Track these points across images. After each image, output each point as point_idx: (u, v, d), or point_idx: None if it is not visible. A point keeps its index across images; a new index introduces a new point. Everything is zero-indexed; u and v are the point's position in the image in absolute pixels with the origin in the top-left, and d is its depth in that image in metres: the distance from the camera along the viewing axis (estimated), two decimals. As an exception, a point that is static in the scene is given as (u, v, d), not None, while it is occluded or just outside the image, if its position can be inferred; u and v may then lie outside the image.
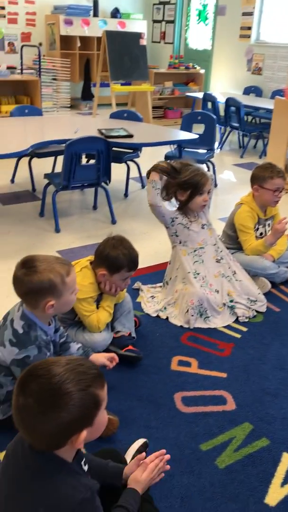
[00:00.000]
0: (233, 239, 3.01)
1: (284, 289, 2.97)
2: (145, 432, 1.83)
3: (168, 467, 1.40)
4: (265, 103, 6.33)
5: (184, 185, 2.58)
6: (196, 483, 1.65)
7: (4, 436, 1.74)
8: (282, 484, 1.66)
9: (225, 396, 2.07)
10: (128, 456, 1.64)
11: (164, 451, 1.41)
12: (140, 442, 1.71)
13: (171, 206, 2.72)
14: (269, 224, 3.02)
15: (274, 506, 1.58)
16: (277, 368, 2.27)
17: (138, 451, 1.67)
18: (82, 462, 1.23)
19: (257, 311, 2.71)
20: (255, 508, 1.57)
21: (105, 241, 2.24)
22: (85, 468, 1.24)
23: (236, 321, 2.63)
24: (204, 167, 4.47)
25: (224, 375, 2.21)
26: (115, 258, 2.17)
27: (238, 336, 2.51)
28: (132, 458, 1.61)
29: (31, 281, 1.60)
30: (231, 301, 2.67)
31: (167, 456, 1.40)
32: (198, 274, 2.67)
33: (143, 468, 1.38)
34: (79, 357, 1.20)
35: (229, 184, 5.17)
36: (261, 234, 2.99)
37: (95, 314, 2.22)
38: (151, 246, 3.51)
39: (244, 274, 2.81)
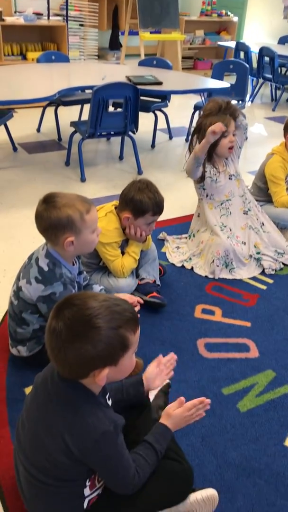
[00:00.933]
0: (262, 191, 2.93)
1: (312, 243, 2.90)
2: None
3: (203, 414, 1.35)
4: (302, 54, 6.03)
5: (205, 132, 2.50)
6: (217, 424, 1.67)
7: (31, 372, 1.80)
8: (303, 429, 1.67)
9: (249, 344, 2.07)
10: (151, 395, 1.67)
11: (206, 400, 1.35)
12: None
13: None
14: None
15: (294, 449, 1.60)
16: (303, 319, 2.25)
17: (162, 391, 1.70)
18: (107, 396, 1.25)
19: (284, 264, 2.67)
20: (275, 449, 1.59)
21: (131, 184, 2.20)
22: (109, 402, 1.26)
23: (262, 273, 2.60)
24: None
25: (248, 324, 2.20)
26: (140, 201, 2.13)
27: (264, 287, 2.48)
28: (156, 397, 1.64)
29: (50, 216, 1.61)
30: (258, 253, 2.63)
31: (208, 401, 1.34)
32: (224, 226, 2.62)
33: (179, 403, 1.34)
34: (119, 297, 1.20)
35: (260, 137, 5.01)
36: (292, 185, 2.91)
37: (120, 259, 2.21)
38: (177, 197, 3.46)
39: (272, 226, 2.76)
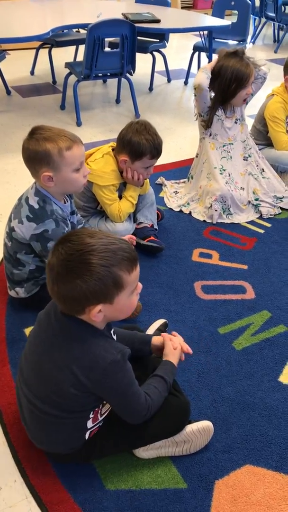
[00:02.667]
0: (262, 134, 2.87)
1: (311, 187, 2.88)
2: (165, 315, 1.88)
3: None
4: (306, -10, 5.75)
5: (224, 80, 2.41)
6: (213, 362, 1.71)
7: (30, 314, 1.82)
8: (297, 366, 1.72)
9: (245, 286, 2.09)
10: (149, 333, 1.70)
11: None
12: (160, 321, 1.76)
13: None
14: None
15: (287, 384, 1.64)
16: (299, 262, 2.26)
17: (159, 330, 1.73)
18: (112, 331, 1.27)
19: (282, 208, 2.65)
20: (269, 385, 1.64)
21: (128, 125, 2.12)
22: (114, 337, 1.28)
23: (260, 217, 2.59)
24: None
25: (245, 267, 2.21)
26: (137, 144, 2.05)
27: (262, 231, 2.48)
28: (153, 335, 1.67)
29: (29, 148, 1.59)
30: (256, 199, 2.61)
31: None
32: (224, 170, 2.58)
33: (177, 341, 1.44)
34: (119, 237, 1.18)
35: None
36: (292, 127, 2.85)
37: (117, 203, 2.19)
38: (175, 142, 3.39)
39: (272, 172, 2.72)
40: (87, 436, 1.29)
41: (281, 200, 2.65)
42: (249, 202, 2.60)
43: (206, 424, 1.40)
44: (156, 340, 1.45)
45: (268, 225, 2.53)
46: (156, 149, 2.10)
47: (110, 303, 1.12)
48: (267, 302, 2.01)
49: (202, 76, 2.43)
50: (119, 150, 2.13)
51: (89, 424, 1.26)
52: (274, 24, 6.07)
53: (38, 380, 1.21)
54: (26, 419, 1.30)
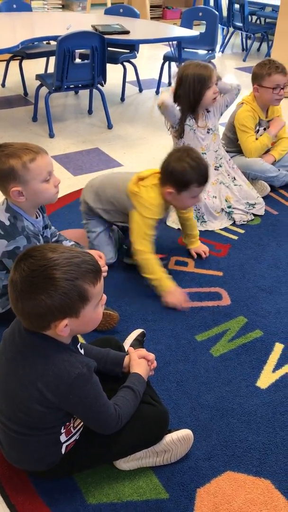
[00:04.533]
0: (233, 142, 2.92)
1: (283, 192, 2.93)
2: (143, 325, 1.88)
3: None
4: (272, 0, 5.88)
5: (188, 85, 2.45)
6: (191, 369, 1.72)
7: (4, 328, 1.80)
8: (274, 370, 1.74)
9: (221, 292, 2.11)
10: (126, 344, 1.70)
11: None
12: (138, 331, 1.76)
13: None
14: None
15: (265, 389, 1.66)
16: (272, 267, 2.29)
17: (137, 340, 1.73)
18: (78, 346, 1.26)
19: (255, 214, 2.70)
20: (247, 390, 1.66)
21: (169, 155, 1.99)
22: (81, 351, 1.28)
23: (234, 224, 2.62)
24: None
25: (220, 273, 2.23)
26: (181, 173, 1.90)
27: (235, 237, 2.51)
28: (131, 346, 1.67)
29: None
30: (229, 207, 2.64)
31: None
32: None
33: (140, 353, 1.44)
34: (81, 250, 1.18)
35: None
36: (261, 136, 2.90)
37: (149, 254, 2.01)
38: (149, 151, 3.42)
39: (243, 179, 2.76)
40: (63, 450, 1.28)
41: (253, 207, 2.69)
42: (222, 209, 2.63)
43: (186, 432, 1.40)
44: (127, 360, 1.44)
45: (242, 231, 2.56)
46: (202, 176, 1.96)
47: (76, 317, 1.12)
48: (243, 307, 2.03)
49: (164, 94, 2.48)
50: (164, 182, 1.98)
51: (63, 438, 1.25)
52: (242, 33, 6.19)
53: (5, 399, 1.20)
54: (0, 439, 1.29)
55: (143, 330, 1.79)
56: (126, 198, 2.04)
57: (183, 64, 2.53)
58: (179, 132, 2.57)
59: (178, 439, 1.39)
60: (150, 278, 2.01)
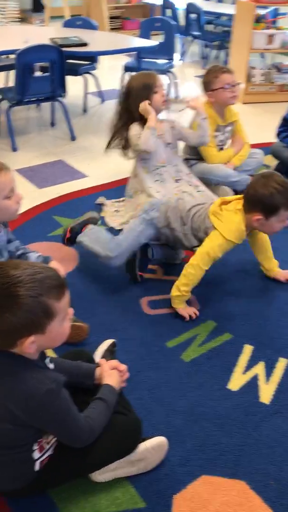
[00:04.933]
0: (193, 150, 2.95)
1: (246, 197, 2.99)
2: (113, 335, 1.88)
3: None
4: (228, 9, 6.02)
5: (136, 95, 2.51)
6: (163, 376, 1.73)
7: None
8: (244, 372, 1.76)
9: (189, 298, 2.13)
10: (97, 355, 1.70)
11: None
12: (108, 342, 1.76)
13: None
14: (228, 131, 2.98)
15: (236, 390, 1.69)
16: (239, 271, 2.33)
17: (108, 351, 1.73)
18: (47, 360, 1.26)
19: (220, 219, 2.73)
20: (219, 393, 1.68)
21: (255, 182, 1.95)
22: (51, 366, 1.27)
23: (200, 229, 2.66)
24: (166, 78, 4.30)
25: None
26: (270, 198, 1.86)
27: (202, 243, 2.54)
28: (102, 357, 1.67)
29: None
30: (195, 213, 2.68)
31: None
32: (158, 192, 2.64)
33: (111, 364, 1.44)
34: (44, 265, 1.18)
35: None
36: (221, 141, 2.96)
37: (199, 271, 1.98)
38: (113, 161, 3.42)
39: (205, 187, 2.81)
40: (37, 467, 1.26)
41: (218, 211, 2.73)
42: (188, 216, 2.66)
43: (160, 440, 1.41)
44: (99, 371, 1.44)
45: (208, 236, 2.60)
46: None
47: (43, 333, 1.12)
48: (212, 312, 2.05)
49: (150, 141, 2.52)
50: (250, 209, 1.94)
51: (36, 455, 1.24)
52: (200, 41, 6.30)
53: None
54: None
55: (114, 340, 1.79)
56: (205, 222, 2.03)
57: (129, 78, 2.62)
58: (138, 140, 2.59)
59: (153, 447, 1.39)
60: (182, 290, 1.99)
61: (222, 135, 2.96)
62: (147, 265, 2.28)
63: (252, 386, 1.71)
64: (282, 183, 1.88)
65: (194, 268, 1.96)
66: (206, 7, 5.96)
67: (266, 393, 1.68)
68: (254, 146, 3.41)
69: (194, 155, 2.96)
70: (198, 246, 2.04)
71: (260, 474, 1.42)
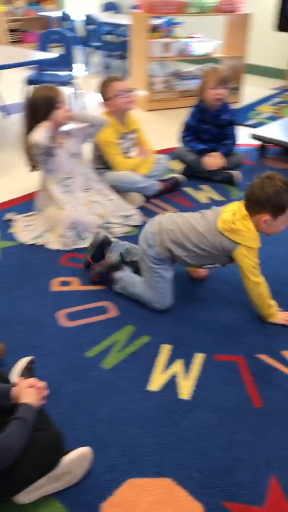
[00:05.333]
0: (101, 159, 2.99)
1: (155, 201, 3.06)
2: (31, 352, 1.85)
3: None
4: (124, 20, 6.14)
5: (38, 110, 2.51)
6: (84, 387, 1.73)
7: None
8: (163, 371, 1.81)
9: (107, 305, 2.15)
10: (14, 374, 1.66)
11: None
12: (26, 359, 1.73)
13: None
14: (131, 138, 3.04)
15: (156, 391, 1.72)
16: (153, 273, 2.38)
17: (26, 369, 1.70)
18: None
19: (132, 226, 2.79)
20: (140, 396, 1.70)
21: (258, 184, 1.92)
22: None
23: (113, 237, 2.68)
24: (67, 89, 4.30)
25: (104, 287, 2.27)
26: (277, 197, 1.87)
27: (115, 250, 2.57)
28: (21, 375, 1.64)
29: None
30: (106, 222, 2.71)
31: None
32: (68, 203, 2.65)
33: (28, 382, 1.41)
34: None
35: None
36: (126, 148, 3.02)
37: (263, 283, 2.00)
38: (20, 176, 3.38)
39: (115, 194, 2.85)
40: None
41: (129, 218, 2.78)
42: (100, 226, 2.68)
43: (82, 450, 1.41)
44: (16, 391, 1.41)
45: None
46: None
47: None
48: (129, 316, 2.09)
49: (45, 136, 2.50)
50: (256, 211, 1.93)
51: None
52: (101, 52, 6.38)
53: None
54: None
55: (32, 357, 1.76)
56: (217, 237, 1.98)
57: (31, 92, 2.61)
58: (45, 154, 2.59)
59: (76, 458, 1.39)
60: (271, 304, 2.03)
61: (126, 142, 3.02)
62: (100, 258, 2.28)
63: (171, 384, 1.75)
64: (284, 182, 1.91)
65: (256, 284, 1.99)
66: (104, 18, 6.05)
67: (185, 389, 1.73)
68: (159, 152, 3.53)
69: (101, 164, 2.99)
70: (209, 264, 2.07)
71: (184, 469, 1.46)
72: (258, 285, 1.99)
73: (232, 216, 1.97)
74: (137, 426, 1.59)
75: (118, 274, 2.22)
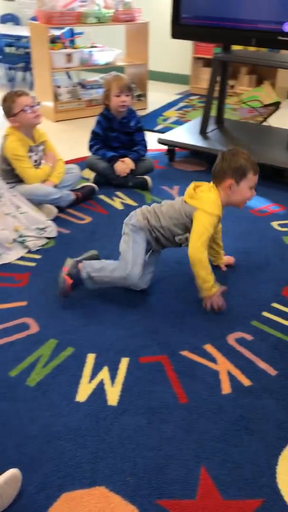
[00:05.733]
0: (10, 173, 2.93)
1: (71, 211, 3.06)
2: None
3: None
4: (25, 31, 6.07)
5: None
6: (11, 407, 1.69)
7: None
8: (90, 381, 1.81)
9: (28, 321, 2.11)
10: None
11: None
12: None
13: None
14: (41, 150, 3.02)
15: (84, 401, 1.72)
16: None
17: None
18: None
19: (48, 238, 2.76)
20: (69, 408, 1.69)
21: (220, 157, 2.17)
22: None
23: (29, 251, 2.65)
24: None
25: (24, 303, 2.23)
26: (238, 162, 2.11)
27: (33, 264, 2.54)
28: None
29: None
30: (20, 236, 2.66)
31: None
32: None
33: None
34: None
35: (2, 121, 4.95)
36: (36, 161, 2.99)
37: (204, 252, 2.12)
38: None
39: (28, 206, 2.81)
40: None
41: (44, 231, 2.75)
42: (14, 240, 2.63)
43: (11, 472, 1.38)
44: None
45: (39, 256, 2.60)
46: (256, 165, 2.16)
47: None
48: (52, 330, 2.06)
49: None
50: (221, 179, 2.15)
51: None
52: (3, 65, 6.26)
53: None
54: None
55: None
56: (183, 207, 2.17)
57: None
58: None
59: (5, 481, 1.35)
60: (206, 277, 2.10)
61: (35, 155, 2.99)
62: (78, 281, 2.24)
63: (99, 392, 1.76)
64: (246, 153, 2.16)
65: (201, 252, 2.08)
66: (3, 30, 5.94)
67: (113, 395, 1.74)
68: (70, 162, 3.53)
69: (11, 178, 2.94)
70: (186, 244, 2.19)
71: (117, 474, 1.47)
72: (199, 252, 2.08)
73: (197, 188, 2.19)
74: (68, 439, 1.58)
75: (85, 262, 2.26)
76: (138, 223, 2.22)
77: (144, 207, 2.30)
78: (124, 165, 3.33)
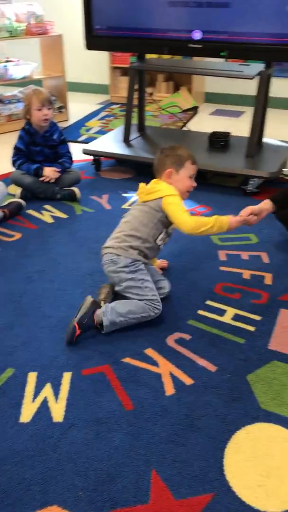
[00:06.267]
0: None
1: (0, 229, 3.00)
2: None
3: None
4: None
5: None
6: None
7: None
8: (33, 400, 1.77)
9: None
10: None
11: None
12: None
13: None
14: None
15: (29, 421, 1.68)
16: (8, 301, 2.32)
17: None
18: None
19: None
20: (13, 431, 1.65)
21: (160, 152, 2.27)
22: None
23: None
24: None
25: None
26: (175, 152, 2.22)
27: None
28: None
29: None
30: None
31: None
32: None
33: None
34: None
35: None
36: None
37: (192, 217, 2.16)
38: None
39: None
40: None
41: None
42: None
43: None
44: None
45: None
46: (193, 156, 2.25)
47: None
48: (-11, 353, 2.00)
49: None
50: (162, 172, 2.23)
51: None
52: None
53: None
54: None
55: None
56: (149, 205, 2.19)
57: None
58: None
59: None
60: (212, 226, 2.11)
61: None
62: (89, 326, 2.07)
63: (43, 410, 1.73)
64: (183, 148, 2.27)
65: (193, 222, 2.10)
66: None
67: (58, 412, 1.72)
68: (-7, 179, 3.45)
69: None
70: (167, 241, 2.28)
71: (69, 491, 1.45)
72: (191, 221, 2.11)
73: (144, 189, 2.24)
74: (14, 462, 1.54)
75: (104, 307, 2.09)
76: (129, 258, 2.12)
77: (112, 242, 2.19)
78: (52, 168, 3.31)
